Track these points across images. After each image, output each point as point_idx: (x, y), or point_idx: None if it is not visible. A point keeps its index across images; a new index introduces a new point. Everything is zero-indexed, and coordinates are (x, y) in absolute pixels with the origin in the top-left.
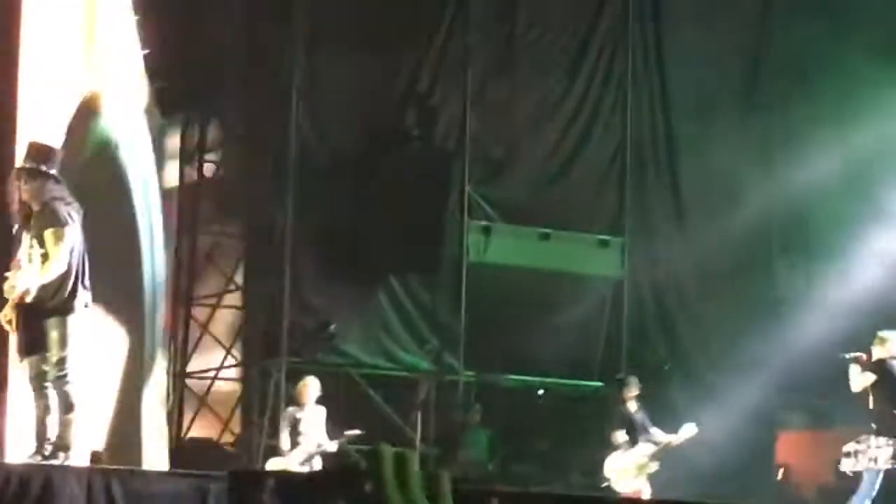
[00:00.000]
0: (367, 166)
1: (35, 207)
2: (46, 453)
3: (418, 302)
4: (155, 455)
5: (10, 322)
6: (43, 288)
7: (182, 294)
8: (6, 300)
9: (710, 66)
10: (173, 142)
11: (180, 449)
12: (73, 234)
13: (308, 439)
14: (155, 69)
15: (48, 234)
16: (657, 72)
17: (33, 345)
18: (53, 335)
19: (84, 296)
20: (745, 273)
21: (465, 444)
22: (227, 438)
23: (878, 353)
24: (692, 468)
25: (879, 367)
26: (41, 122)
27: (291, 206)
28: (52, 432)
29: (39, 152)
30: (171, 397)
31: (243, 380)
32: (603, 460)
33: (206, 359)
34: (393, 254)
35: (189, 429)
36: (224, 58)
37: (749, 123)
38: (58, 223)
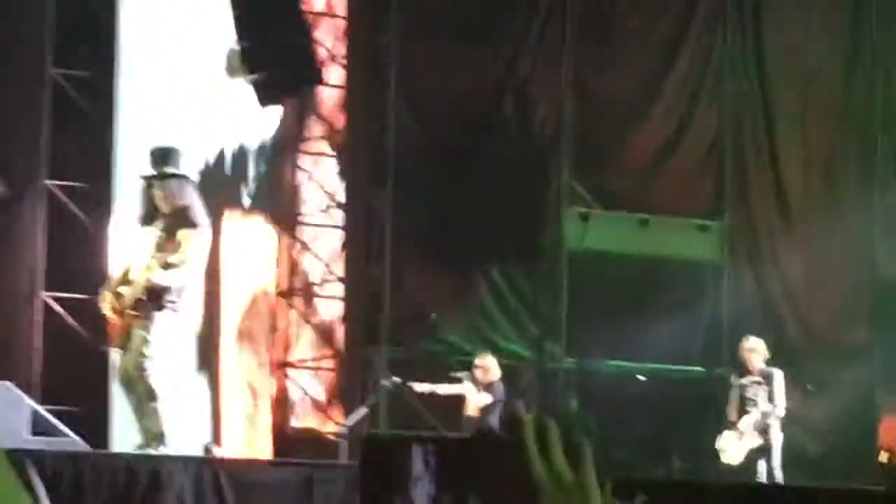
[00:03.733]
0: (465, 154)
1: (165, 210)
2: (146, 443)
3: (518, 290)
4: (260, 445)
5: (112, 309)
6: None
7: (283, 284)
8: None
9: (809, 47)
10: (271, 133)
11: (283, 438)
12: (204, 238)
13: (757, 407)
14: (251, 62)
15: (183, 234)
16: (755, 54)
17: (126, 337)
18: (139, 325)
19: (184, 297)
20: (849, 255)
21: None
22: (330, 427)
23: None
24: (796, 454)
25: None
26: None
27: (390, 195)
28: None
29: (162, 156)
30: (273, 387)
31: (344, 368)
32: (705, 445)
33: (307, 349)
34: (492, 241)
35: (291, 418)
36: (321, 48)
37: (851, 103)
38: (192, 226)
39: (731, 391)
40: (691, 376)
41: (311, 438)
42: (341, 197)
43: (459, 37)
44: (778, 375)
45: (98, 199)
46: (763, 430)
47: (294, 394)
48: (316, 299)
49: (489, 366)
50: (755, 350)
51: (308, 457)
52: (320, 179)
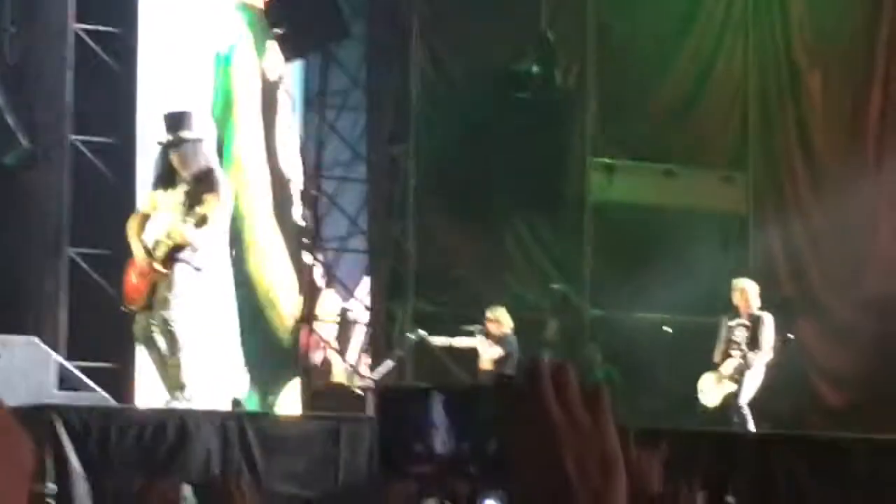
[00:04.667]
0: (488, 106)
1: (184, 173)
2: (170, 395)
3: (542, 242)
4: (286, 399)
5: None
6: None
7: (307, 238)
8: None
9: None
10: (295, 88)
11: (309, 392)
12: (225, 200)
13: (739, 351)
14: (275, 16)
15: (209, 198)
16: (779, 2)
17: (149, 295)
18: (165, 280)
19: (206, 256)
20: (874, 204)
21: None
22: (356, 381)
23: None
24: (820, 403)
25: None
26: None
27: (413, 147)
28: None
29: (176, 121)
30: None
31: (370, 323)
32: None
33: (333, 302)
34: (516, 193)
35: (317, 373)
36: (344, 2)
37: (875, 52)
38: (215, 188)
39: (720, 333)
40: (716, 327)
41: (337, 392)
42: (364, 150)
43: None
44: (767, 319)
45: (123, 154)
46: (740, 374)
47: (319, 348)
48: (339, 252)
49: (501, 318)
50: (746, 291)
51: (334, 411)
52: (343, 133)
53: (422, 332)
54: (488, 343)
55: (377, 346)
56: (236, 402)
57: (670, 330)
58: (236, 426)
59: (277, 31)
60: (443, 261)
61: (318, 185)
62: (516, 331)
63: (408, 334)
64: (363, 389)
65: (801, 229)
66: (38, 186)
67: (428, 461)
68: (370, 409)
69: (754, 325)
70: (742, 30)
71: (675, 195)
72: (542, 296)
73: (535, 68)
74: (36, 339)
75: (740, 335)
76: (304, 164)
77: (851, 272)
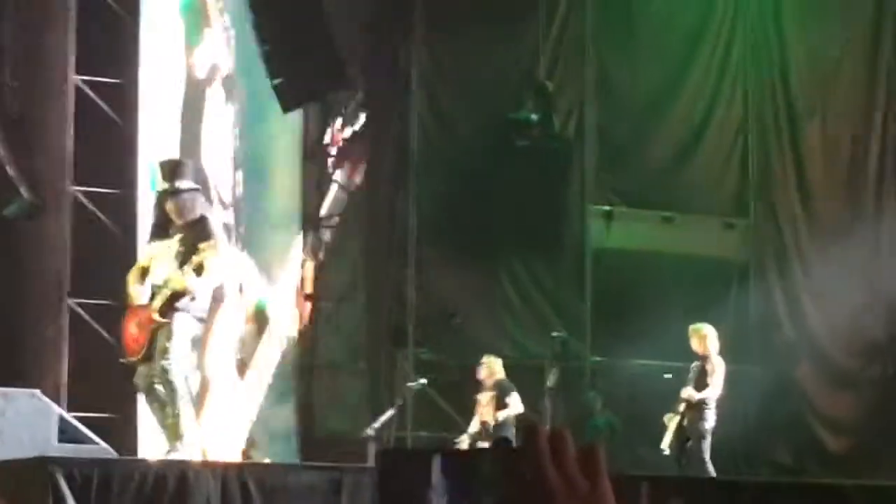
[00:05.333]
0: (487, 153)
1: (180, 222)
2: (169, 446)
3: (542, 288)
4: (286, 448)
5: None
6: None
7: (308, 288)
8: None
9: (830, 40)
10: (294, 138)
11: (311, 441)
12: (219, 248)
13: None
14: (275, 67)
15: (204, 246)
16: (777, 47)
17: (150, 346)
18: (165, 330)
19: (201, 305)
20: (874, 251)
21: (585, 433)
22: (357, 430)
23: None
24: (822, 449)
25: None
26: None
27: (413, 195)
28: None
29: (171, 170)
30: (301, 391)
31: (371, 371)
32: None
33: (332, 351)
34: (515, 240)
35: (319, 422)
36: (343, 51)
37: (874, 97)
38: (209, 237)
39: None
40: None
41: (338, 441)
42: (364, 198)
43: (481, 37)
44: (718, 361)
45: (124, 204)
46: (686, 416)
47: (320, 397)
48: (341, 301)
49: (492, 366)
50: (704, 335)
51: (336, 460)
52: (342, 181)
53: (423, 381)
54: (489, 406)
55: (378, 394)
56: (246, 454)
57: (670, 376)
58: (237, 476)
59: (277, 81)
60: (443, 308)
61: (320, 234)
62: (517, 379)
63: (409, 383)
64: (364, 438)
65: (801, 275)
66: (40, 237)
67: None
68: (371, 459)
69: (706, 366)
70: (741, 76)
71: (674, 242)
72: (543, 343)
73: (533, 116)
74: (37, 392)
75: (693, 378)
76: (302, 213)
77: (851, 317)
